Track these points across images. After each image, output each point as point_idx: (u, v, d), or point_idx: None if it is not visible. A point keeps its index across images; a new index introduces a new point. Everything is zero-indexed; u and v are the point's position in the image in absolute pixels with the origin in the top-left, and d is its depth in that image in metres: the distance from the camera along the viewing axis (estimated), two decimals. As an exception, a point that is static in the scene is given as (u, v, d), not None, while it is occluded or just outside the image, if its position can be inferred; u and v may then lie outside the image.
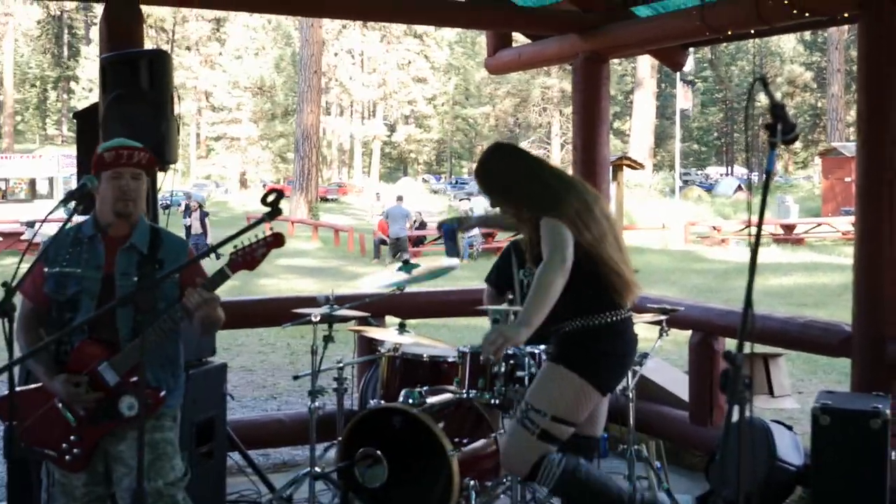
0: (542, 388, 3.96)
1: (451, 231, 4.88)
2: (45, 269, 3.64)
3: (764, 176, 2.15)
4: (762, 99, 2.30)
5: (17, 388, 3.63)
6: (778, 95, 2.23)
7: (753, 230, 2.06)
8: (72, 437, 3.57)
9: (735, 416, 2.16)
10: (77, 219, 3.70)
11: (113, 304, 3.32)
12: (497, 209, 4.36)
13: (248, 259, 3.43)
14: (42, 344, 3.47)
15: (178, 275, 3.54)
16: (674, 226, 30.12)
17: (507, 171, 4.20)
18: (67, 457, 3.58)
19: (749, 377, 2.15)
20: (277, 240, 3.41)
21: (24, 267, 3.19)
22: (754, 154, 47.72)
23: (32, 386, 3.68)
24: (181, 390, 3.76)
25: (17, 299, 3.08)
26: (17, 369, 3.57)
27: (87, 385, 3.50)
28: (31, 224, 26.82)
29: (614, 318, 4.06)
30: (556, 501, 4.87)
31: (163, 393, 3.57)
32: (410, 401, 5.09)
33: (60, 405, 3.58)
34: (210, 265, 3.52)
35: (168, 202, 8.13)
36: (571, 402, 3.95)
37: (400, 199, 26.30)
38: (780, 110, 2.13)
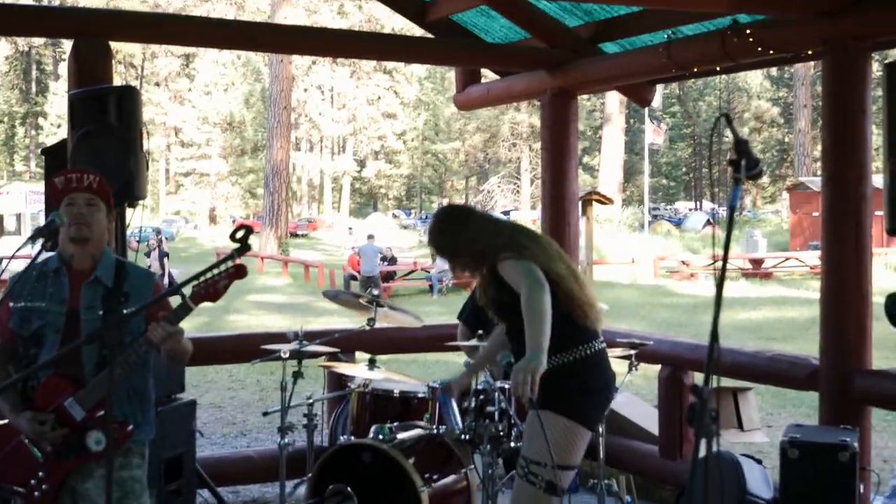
0: (535, 439, 3.87)
1: (446, 400, 4.81)
2: (10, 304, 3.62)
3: (727, 210, 2.18)
4: (728, 134, 2.33)
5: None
6: (745, 131, 2.28)
7: (719, 264, 2.08)
8: (39, 474, 3.53)
9: (703, 450, 2.17)
10: (46, 255, 3.69)
11: (81, 342, 3.30)
12: (454, 270, 4.38)
13: (211, 291, 3.41)
14: (9, 382, 3.44)
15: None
16: (643, 260, 30.26)
17: (460, 227, 4.23)
18: (36, 492, 3.53)
19: (716, 410, 2.16)
20: (239, 271, 3.38)
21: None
22: (721, 189, 48.06)
23: (0, 422, 3.62)
24: (151, 426, 3.73)
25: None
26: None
27: (53, 422, 3.47)
28: (-3, 260, 26.52)
29: (589, 351, 4.04)
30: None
31: (130, 427, 3.54)
32: (381, 436, 5.07)
33: (27, 441, 3.54)
34: (174, 298, 3.50)
35: (138, 238, 8.11)
36: (567, 446, 3.91)
37: (371, 237, 26.30)
38: (744, 146, 2.16)
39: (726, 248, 2.16)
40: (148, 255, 23.91)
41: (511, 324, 4.06)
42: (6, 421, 3.59)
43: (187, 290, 3.45)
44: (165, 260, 24.50)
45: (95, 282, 3.60)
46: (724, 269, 2.15)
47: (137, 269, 3.73)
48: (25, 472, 3.54)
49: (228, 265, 3.39)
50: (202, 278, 3.40)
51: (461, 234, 4.20)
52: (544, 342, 3.73)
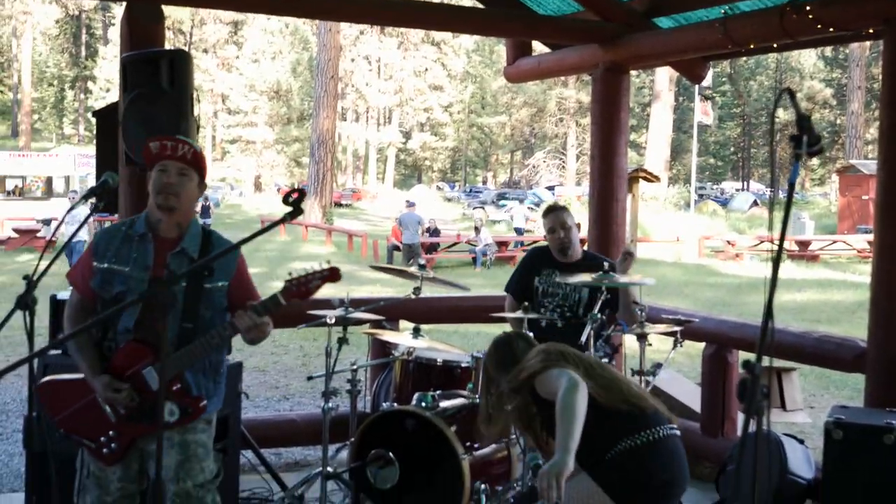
0: None
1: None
2: (94, 264, 3.62)
3: (787, 187, 2.16)
4: (781, 114, 2.30)
5: (59, 377, 3.65)
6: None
7: (769, 245, 2.06)
8: (110, 432, 3.59)
9: (751, 427, 2.16)
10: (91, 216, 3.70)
11: (129, 302, 3.32)
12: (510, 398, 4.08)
13: (303, 290, 3.45)
14: (80, 328, 3.47)
15: (227, 284, 3.54)
16: (688, 239, 30.06)
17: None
18: (105, 450, 3.60)
19: (767, 387, 2.15)
20: (333, 274, 3.42)
21: (44, 264, 3.19)
22: (775, 168, 47.53)
23: (74, 376, 3.66)
24: (220, 396, 3.78)
25: (41, 292, 3.10)
26: (36, 362, 3.60)
27: (129, 391, 3.50)
28: (47, 222, 26.95)
29: (654, 436, 3.85)
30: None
31: (203, 402, 3.57)
32: (423, 404, 5.11)
33: (101, 401, 3.58)
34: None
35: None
36: None
37: (412, 205, 26.29)
38: (806, 122, 2.14)
39: (784, 223, 2.14)
40: (204, 213, 23.72)
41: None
42: (80, 376, 3.63)
43: (278, 286, 3.48)
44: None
45: (181, 253, 3.59)
46: (781, 245, 2.14)
47: (224, 242, 3.70)
48: (96, 428, 3.60)
49: (324, 267, 3.44)
50: (295, 275, 3.43)
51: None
52: (572, 444, 3.56)
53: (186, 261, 3.57)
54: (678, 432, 4.00)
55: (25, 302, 3.14)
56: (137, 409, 3.54)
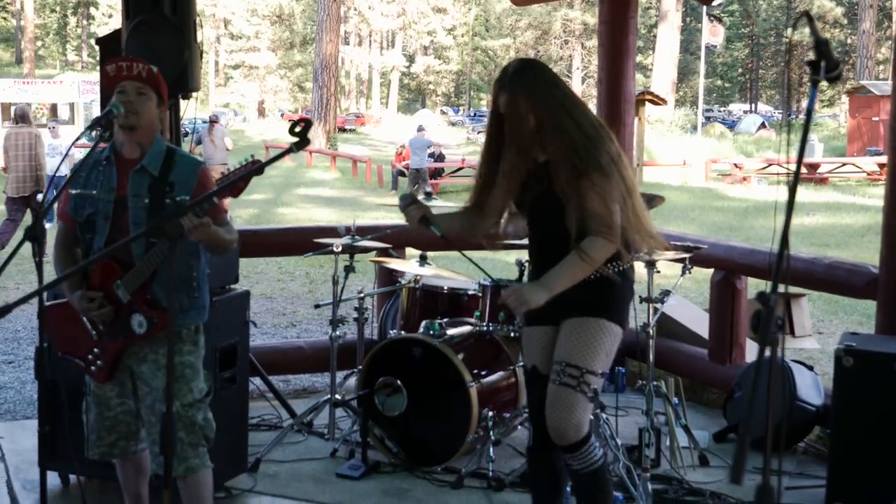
0: (592, 346, 3.55)
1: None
2: (70, 191, 3.72)
3: (805, 115, 2.11)
4: (788, 34, 2.23)
5: (50, 303, 3.73)
6: (805, 31, 2.18)
7: (777, 168, 2.01)
8: (95, 349, 3.70)
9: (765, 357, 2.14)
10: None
11: (141, 233, 3.34)
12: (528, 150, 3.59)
13: (230, 186, 3.41)
14: (71, 270, 3.52)
15: (187, 198, 3.53)
16: (694, 162, 29.91)
17: (571, 99, 3.58)
18: (93, 367, 3.71)
19: (781, 319, 2.12)
20: (255, 166, 3.39)
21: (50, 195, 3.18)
22: (778, 91, 47.07)
23: (62, 300, 3.78)
24: (199, 312, 3.77)
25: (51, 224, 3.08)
26: (46, 293, 3.61)
27: (100, 300, 3.59)
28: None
29: (631, 261, 3.75)
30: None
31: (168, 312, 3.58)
32: (430, 332, 5.12)
33: (85, 318, 3.68)
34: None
35: (189, 130, 8.10)
36: (612, 355, 3.68)
37: (421, 129, 26.09)
38: (825, 47, 2.08)
39: (801, 149, 2.10)
40: (199, 142, 22.87)
41: (546, 239, 3.67)
42: (66, 300, 3.74)
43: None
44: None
45: (142, 170, 3.64)
46: (798, 171, 2.09)
47: (186, 158, 3.73)
48: (83, 346, 3.72)
49: (248, 160, 3.43)
50: (226, 173, 3.45)
51: (572, 106, 3.56)
52: (559, 288, 3.46)
53: (147, 178, 3.62)
54: None
55: (34, 234, 3.16)
56: (113, 325, 3.63)
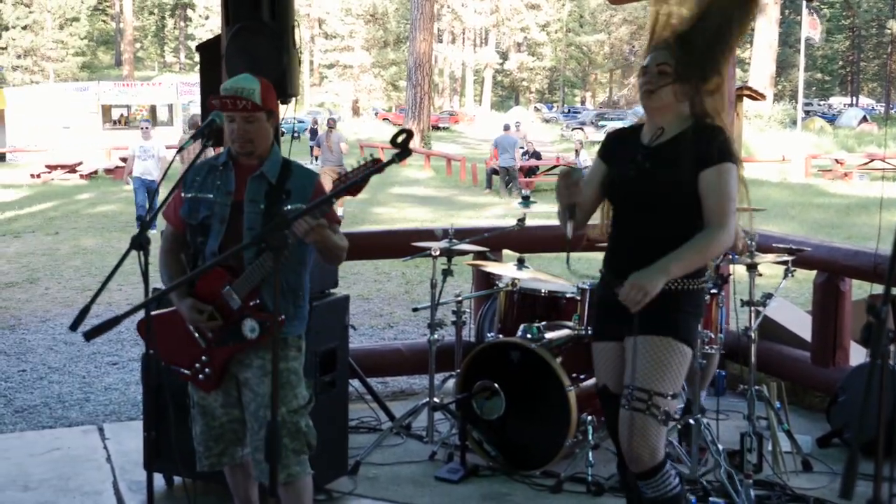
0: (659, 368, 3.43)
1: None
2: (183, 195, 3.79)
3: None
4: (892, 26, 2.17)
5: (157, 312, 3.80)
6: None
7: (880, 163, 1.95)
8: (203, 358, 3.73)
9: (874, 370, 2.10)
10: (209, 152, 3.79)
11: (246, 244, 3.40)
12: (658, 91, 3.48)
13: (351, 187, 3.45)
14: (183, 279, 3.58)
15: (304, 205, 3.58)
16: (794, 158, 29.29)
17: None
18: (200, 376, 3.75)
19: (893, 331, 2.08)
20: (376, 165, 3.43)
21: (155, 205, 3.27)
22: (881, 84, 45.76)
23: (166, 310, 3.83)
24: (303, 320, 3.83)
25: (154, 231, 3.17)
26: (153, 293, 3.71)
27: (210, 312, 3.63)
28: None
29: (708, 279, 3.72)
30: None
31: (282, 317, 3.64)
32: (528, 336, 5.11)
33: (191, 328, 3.73)
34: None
35: (294, 130, 8.19)
36: (684, 375, 3.56)
37: (507, 128, 26.01)
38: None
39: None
40: (313, 136, 22.67)
41: (648, 215, 3.51)
42: (173, 308, 3.79)
43: (328, 184, 3.52)
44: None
45: (260, 177, 3.70)
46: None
47: (302, 169, 3.79)
48: (191, 356, 3.75)
49: (366, 159, 3.43)
50: (342, 173, 3.47)
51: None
52: (677, 272, 3.35)
53: (265, 184, 3.67)
54: None
55: (139, 242, 3.23)
56: (222, 331, 3.67)
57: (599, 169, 3.68)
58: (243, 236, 3.62)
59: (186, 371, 3.78)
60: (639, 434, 3.41)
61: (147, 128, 17.44)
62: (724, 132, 3.50)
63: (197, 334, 3.73)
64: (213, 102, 3.70)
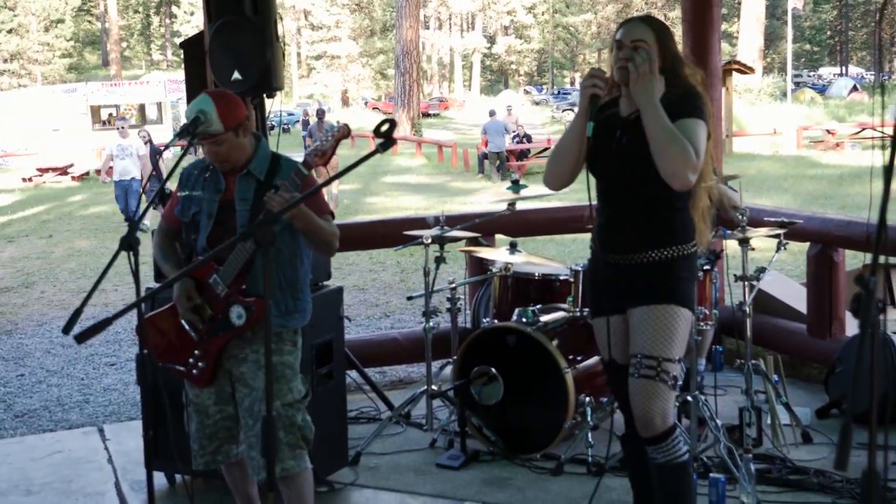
0: (666, 334, 3.50)
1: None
2: (178, 194, 3.85)
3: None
4: None
5: (149, 314, 3.80)
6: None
7: (871, 132, 1.94)
8: (196, 352, 3.74)
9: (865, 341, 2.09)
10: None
11: (234, 240, 3.39)
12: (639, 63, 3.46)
13: (320, 153, 3.46)
14: (181, 273, 3.57)
15: None
16: (785, 130, 29.30)
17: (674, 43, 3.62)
18: (194, 371, 3.75)
19: (882, 301, 2.07)
20: (343, 131, 3.44)
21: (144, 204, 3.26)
22: (869, 52, 45.72)
23: (159, 310, 3.86)
24: (304, 314, 3.83)
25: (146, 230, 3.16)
26: (145, 292, 3.71)
27: (198, 303, 3.67)
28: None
29: (699, 244, 3.67)
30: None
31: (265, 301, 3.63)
32: (524, 320, 5.12)
33: (185, 323, 3.73)
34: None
35: (284, 123, 8.16)
36: (687, 338, 3.65)
37: (493, 113, 25.95)
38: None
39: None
40: (306, 128, 23.10)
41: (631, 187, 3.54)
42: (163, 308, 3.82)
43: (300, 159, 3.54)
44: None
45: (248, 175, 3.71)
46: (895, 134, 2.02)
47: (290, 163, 3.77)
48: (184, 351, 3.77)
49: (334, 126, 3.48)
50: (311, 147, 3.49)
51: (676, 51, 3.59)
52: (652, 111, 3.36)
53: (254, 182, 3.68)
54: None
55: (129, 242, 3.22)
56: (213, 322, 3.69)
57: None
58: (236, 234, 3.62)
59: (181, 367, 3.79)
60: (651, 399, 3.49)
61: (123, 126, 17.50)
62: (697, 94, 3.52)
63: (189, 327, 3.74)
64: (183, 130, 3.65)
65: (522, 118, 34.09)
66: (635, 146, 3.48)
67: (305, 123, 32.28)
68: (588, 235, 3.83)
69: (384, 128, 2.72)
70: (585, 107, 3.49)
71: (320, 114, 21.92)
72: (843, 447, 1.99)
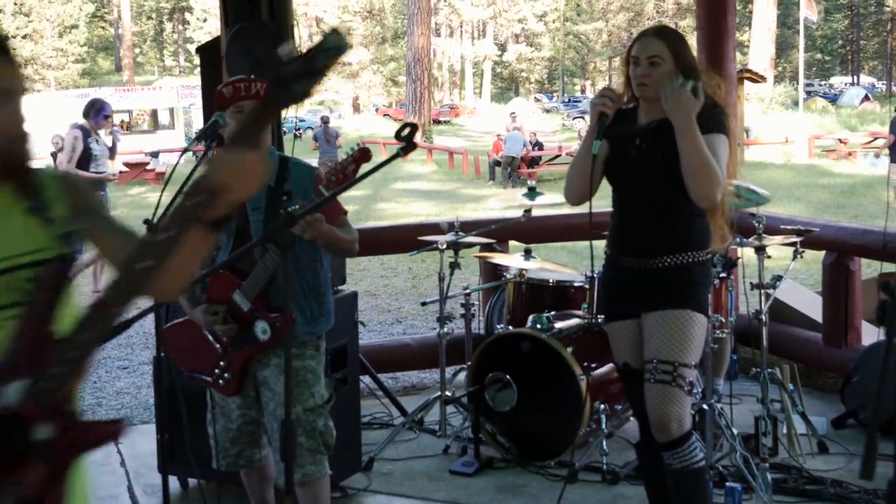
0: (681, 339, 3.50)
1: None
2: None
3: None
4: (890, 2, 2.14)
5: (173, 322, 3.80)
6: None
7: (884, 141, 1.92)
8: (221, 363, 3.72)
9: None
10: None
11: (253, 244, 3.38)
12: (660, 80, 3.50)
13: (340, 177, 3.44)
14: (196, 279, 3.57)
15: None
16: (797, 139, 29.19)
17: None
18: (221, 381, 3.74)
19: (909, 307, 2.05)
20: (364, 154, 3.42)
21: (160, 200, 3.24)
22: (881, 62, 45.58)
23: (185, 318, 3.83)
24: (328, 318, 3.82)
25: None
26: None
27: (224, 313, 3.62)
28: (154, 154, 27.55)
29: (715, 251, 3.72)
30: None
31: (293, 316, 3.62)
32: (538, 326, 5.10)
33: (208, 334, 3.71)
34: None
35: (297, 128, 8.16)
36: (703, 344, 3.67)
37: (518, 129, 25.93)
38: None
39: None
40: (315, 137, 23.27)
41: (648, 193, 3.56)
42: (187, 317, 3.78)
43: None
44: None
45: None
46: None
47: (300, 166, 3.76)
48: (210, 362, 3.74)
49: (354, 149, 3.44)
50: (333, 165, 3.47)
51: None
52: (691, 134, 3.37)
53: (264, 188, 3.61)
54: None
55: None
56: (237, 335, 3.66)
57: (602, 146, 3.66)
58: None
59: (208, 378, 3.77)
60: (667, 404, 3.50)
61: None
62: (718, 106, 3.56)
63: (213, 339, 3.72)
64: (224, 90, 3.63)
65: (533, 126, 34.05)
66: (655, 154, 3.51)
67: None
68: (602, 242, 3.82)
69: (405, 132, 2.71)
70: (593, 126, 3.53)
71: (325, 119, 23.65)
72: (868, 456, 1.97)
